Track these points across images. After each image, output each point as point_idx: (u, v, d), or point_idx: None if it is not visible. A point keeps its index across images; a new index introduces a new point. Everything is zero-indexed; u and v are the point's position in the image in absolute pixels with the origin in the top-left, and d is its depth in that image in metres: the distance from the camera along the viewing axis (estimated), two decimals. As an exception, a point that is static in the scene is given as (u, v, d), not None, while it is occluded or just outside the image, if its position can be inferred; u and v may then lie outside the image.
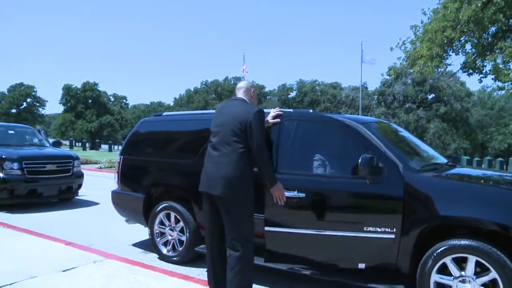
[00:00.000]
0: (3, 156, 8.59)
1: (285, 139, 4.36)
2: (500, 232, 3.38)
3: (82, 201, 9.89)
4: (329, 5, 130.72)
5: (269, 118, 4.28)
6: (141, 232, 6.27)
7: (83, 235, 6.50)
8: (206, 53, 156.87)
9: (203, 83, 76.96)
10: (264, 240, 4.24)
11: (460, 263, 3.47)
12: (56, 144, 11.91)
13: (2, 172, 8.46)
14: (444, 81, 43.19)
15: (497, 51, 13.38)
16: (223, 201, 3.62)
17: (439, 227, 3.69)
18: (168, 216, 5.26)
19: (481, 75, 14.71)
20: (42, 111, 74.39)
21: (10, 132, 10.51)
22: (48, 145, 10.77)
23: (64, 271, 4.65)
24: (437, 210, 3.61)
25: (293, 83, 64.13)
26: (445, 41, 13.84)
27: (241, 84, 4.11)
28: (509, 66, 13.34)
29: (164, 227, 5.30)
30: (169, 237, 5.27)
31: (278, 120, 4.33)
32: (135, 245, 6.09)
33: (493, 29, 13.70)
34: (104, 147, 48.74)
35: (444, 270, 3.53)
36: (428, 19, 14.65)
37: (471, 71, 14.86)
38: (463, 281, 3.43)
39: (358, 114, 38.45)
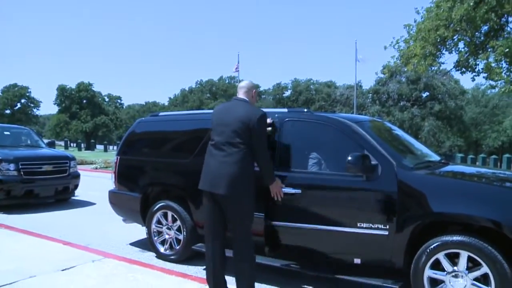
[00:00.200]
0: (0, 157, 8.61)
1: (285, 138, 4.49)
2: (492, 228, 3.45)
3: (79, 202, 9.91)
4: (324, 5, 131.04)
5: None
6: (138, 231, 6.32)
7: (81, 235, 6.53)
8: (200, 52, 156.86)
9: (198, 82, 77.11)
10: (263, 238, 4.34)
11: (453, 259, 3.55)
12: (50, 145, 11.91)
13: (-2, 173, 8.47)
14: (438, 79, 43.44)
15: (489, 50, 13.50)
16: (228, 199, 3.72)
17: (432, 223, 3.76)
18: (165, 215, 5.31)
19: (474, 74, 14.83)
20: (36, 112, 74.08)
21: (5, 133, 10.53)
22: (44, 146, 10.79)
23: (63, 270, 4.69)
24: (430, 207, 3.69)
25: (288, 82, 64.43)
26: (438, 40, 13.93)
27: (243, 84, 4.17)
28: (501, 64, 13.46)
29: (161, 226, 5.35)
30: (167, 236, 5.33)
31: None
32: (132, 244, 6.14)
33: (485, 28, 13.82)
34: (99, 147, 48.70)
35: (437, 266, 3.61)
36: (422, 18, 14.73)
37: (464, 69, 14.98)
38: (456, 276, 3.51)
39: (352, 113, 38.59)
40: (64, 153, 10.45)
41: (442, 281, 3.58)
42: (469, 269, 3.47)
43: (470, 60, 14.51)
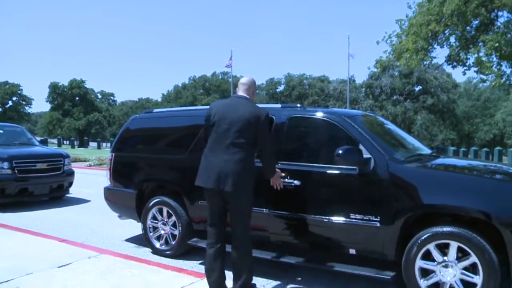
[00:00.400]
0: (-7, 156, 8.60)
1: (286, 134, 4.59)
2: (482, 219, 3.53)
3: (73, 199, 9.93)
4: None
5: None
6: (133, 227, 6.37)
7: (76, 232, 6.58)
8: (193, 48, 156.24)
9: (191, 78, 76.85)
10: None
11: (443, 249, 3.64)
12: (43, 143, 11.89)
13: (-8, 172, 8.48)
14: (430, 73, 43.62)
15: (480, 44, 13.62)
16: (233, 196, 3.79)
17: (423, 215, 3.85)
18: (160, 211, 5.36)
19: (465, 68, 14.96)
20: (28, 109, 73.75)
21: (-1, 131, 10.50)
22: (37, 144, 10.78)
23: (59, 267, 4.73)
24: (421, 199, 3.76)
25: (281, 77, 64.26)
26: (430, 35, 14.03)
27: (244, 81, 4.19)
28: (492, 58, 13.59)
29: (156, 221, 5.40)
30: (162, 232, 5.38)
31: None
32: (128, 240, 6.19)
33: (476, 22, 13.94)
34: (93, 144, 48.43)
35: (428, 256, 3.69)
36: (413, 13, 14.83)
37: (455, 63, 15.10)
38: (446, 266, 3.60)
39: (346, 107, 38.74)
40: (58, 151, 10.46)
41: (433, 271, 3.67)
42: (459, 259, 3.56)
43: (461, 54, 14.63)
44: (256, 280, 4.20)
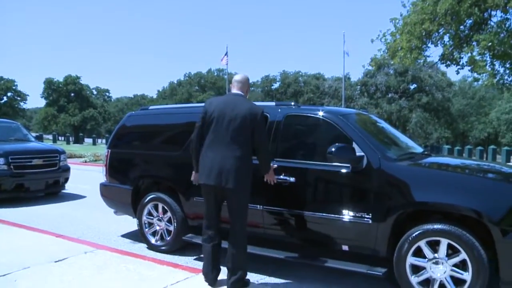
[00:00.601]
0: (-11, 152, 8.61)
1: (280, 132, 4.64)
2: (472, 217, 3.60)
3: (69, 195, 9.96)
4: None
5: None
6: (129, 223, 6.42)
7: (72, 228, 6.62)
8: (189, 45, 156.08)
9: (186, 75, 76.78)
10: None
11: (434, 246, 3.71)
12: (38, 139, 11.89)
13: (-12, 168, 8.49)
14: (425, 72, 43.77)
15: (473, 43, 13.71)
16: (233, 192, 3.87)
17: (415, 212, 3.92)
18: (156, 207, 5.41)
19: (458, 67, 15.04)
20: (23, 105, 73.21)
21: (-6, 127, 10.49)
22: (33, 139, 10.79)
23: (56, 262, 4.77)
24: (413, 197, 3.83)
25: (276, 74, 64.31)
26: (424, 33, 14.11)
27: (238, 78, 4.22)
28: (485, 57, 13.69)
29: (152, 217, 5.45)
30: (157, 227, 5.43)
31: None
32: (123, 236, 6.24)
33: (469, 22, 14.02)
34: (88, 140, 48.37)
35: (419, 253, 3.76)
36: (408, 12, 14.90)
37: (449, 62, 15.17)
38: (436, 263, 3.67)
39: (341, 105, 38.81)
40: (54, 147, 10.48)
41: (424, 268, 3.74)
42: (449, 256, 3.64)
43: (454, 53, 14.70)
44: (250, 275, 4.26)
